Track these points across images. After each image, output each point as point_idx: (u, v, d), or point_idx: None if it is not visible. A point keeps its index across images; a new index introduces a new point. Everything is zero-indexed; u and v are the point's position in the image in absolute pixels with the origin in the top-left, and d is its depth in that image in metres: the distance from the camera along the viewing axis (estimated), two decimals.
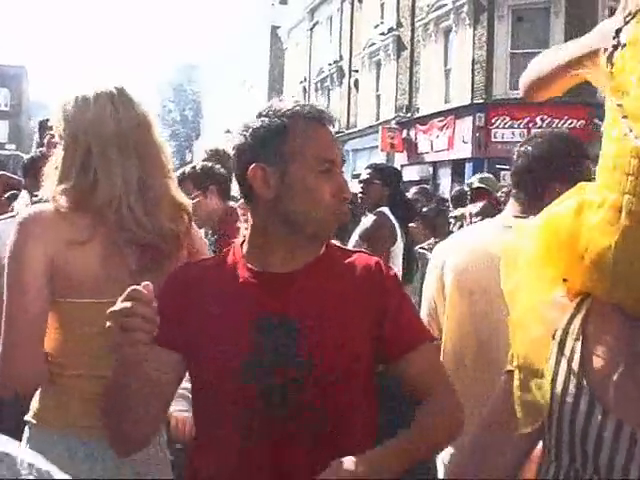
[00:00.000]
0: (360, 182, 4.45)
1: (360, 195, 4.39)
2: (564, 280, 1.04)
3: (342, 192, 1.46)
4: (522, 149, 2.06)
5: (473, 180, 6.88)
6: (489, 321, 1.95)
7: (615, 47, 0.98)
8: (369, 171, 4.50)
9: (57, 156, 1.66)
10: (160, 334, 1.25)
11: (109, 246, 1.61)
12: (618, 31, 0.98)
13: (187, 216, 1.77)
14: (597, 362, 0.98)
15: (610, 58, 0.98)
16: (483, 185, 6.55)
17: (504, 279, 1.15)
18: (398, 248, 4.24)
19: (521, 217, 1.99)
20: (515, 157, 2.08)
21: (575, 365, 0.99)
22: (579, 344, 1.00)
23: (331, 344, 1.42)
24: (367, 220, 4.22)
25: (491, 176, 7.47)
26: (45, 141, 1.86)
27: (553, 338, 1.03)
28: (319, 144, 1.44)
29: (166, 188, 1.71)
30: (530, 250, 1.07)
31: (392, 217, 4.25)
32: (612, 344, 0.97)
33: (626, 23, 0.98)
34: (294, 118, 1.43)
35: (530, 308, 1.08)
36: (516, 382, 1.05)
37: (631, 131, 0.90)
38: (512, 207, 2.07)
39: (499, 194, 6.05)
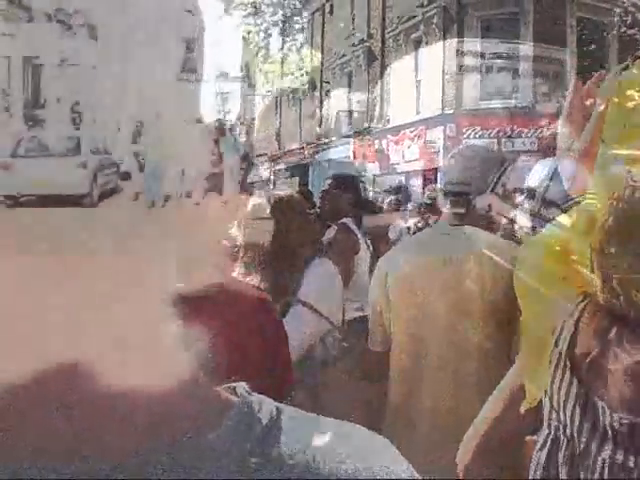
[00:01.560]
0: (320, 193, 4.53)
1: (319, 206, 4.44)
2: (564, 279, 1.21)
3: None
4: (446, 164, 2.35)
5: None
6: (429, 318, 2.14)
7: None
8: (328, 181, 4.59)
9: None
10: None
11: None
12: (625, 68, 1.16)
13: None
14: (580, 347, 1.14)
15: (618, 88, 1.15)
16: (430, 202, 7.06)
17: (516, 283, 1.34)
18: (363, 257, 4.17)
19: (457, 225, 2.23)
20: (442, 174, 2.39)
21: (564, 349, 1.16)
22: (570, 333, 1.16)
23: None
24: (329, 232, 4.17)
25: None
26: None
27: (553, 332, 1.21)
28: None
29: None
30: (539, 256, 1.26)
31: (355, 227, 4.20)
32: (593, 332, 1.13)
33: (624, 69, 1.16)
34: None
35: (538, 305, 1.25)
36: (526, 368, 1.26)
37: (616, 163, 1.09)
38: (447, 216, 2.32)
39: None
